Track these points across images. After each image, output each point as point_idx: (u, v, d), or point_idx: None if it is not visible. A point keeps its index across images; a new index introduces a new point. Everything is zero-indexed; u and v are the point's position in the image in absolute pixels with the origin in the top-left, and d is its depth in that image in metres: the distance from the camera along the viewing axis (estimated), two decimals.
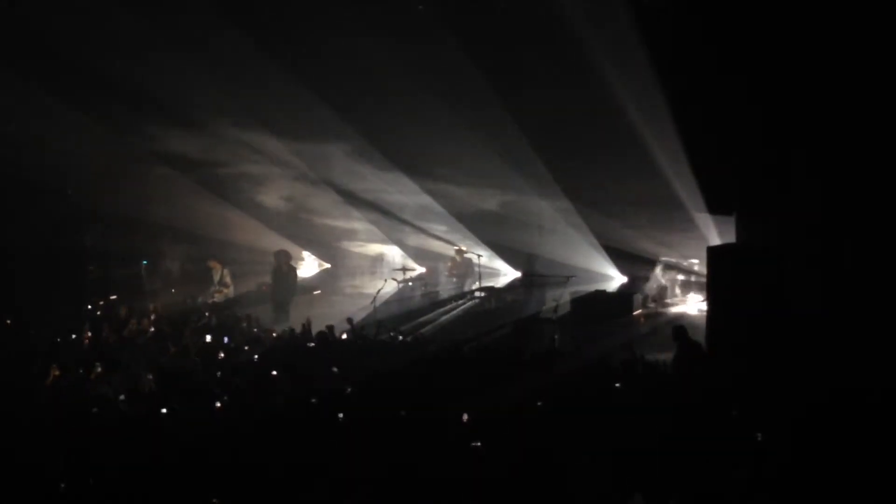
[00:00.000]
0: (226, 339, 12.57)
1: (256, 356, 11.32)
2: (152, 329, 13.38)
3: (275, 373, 9.95)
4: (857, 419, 6.93)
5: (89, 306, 16.26)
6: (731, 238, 11.55)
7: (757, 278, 9.86)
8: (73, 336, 12.54)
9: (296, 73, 11.36)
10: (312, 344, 12.01)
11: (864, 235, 8.90)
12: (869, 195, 8.84)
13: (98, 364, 10.25)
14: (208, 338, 12.65)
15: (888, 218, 8.71)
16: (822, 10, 8.21)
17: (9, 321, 13.57)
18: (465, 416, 7.68)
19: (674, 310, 15.76)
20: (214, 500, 6.09)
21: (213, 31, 10.76)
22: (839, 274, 9.08)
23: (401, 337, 13.32)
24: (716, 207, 11.21)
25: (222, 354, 11.41)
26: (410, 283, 18.53)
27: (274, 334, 13.48)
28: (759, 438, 6.91)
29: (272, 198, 17.76)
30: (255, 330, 14.04)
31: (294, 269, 17.83)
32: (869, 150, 8.62)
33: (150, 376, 9.91)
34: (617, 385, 8.84)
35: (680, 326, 11.08)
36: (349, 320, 13.27)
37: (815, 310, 9.20)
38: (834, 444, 6.47)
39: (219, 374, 10.09)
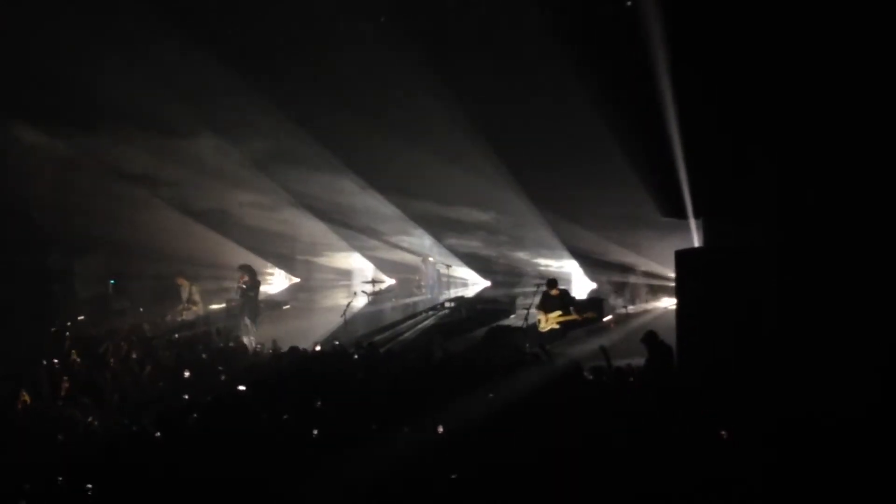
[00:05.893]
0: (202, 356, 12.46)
1: (224, 377, 11.22)
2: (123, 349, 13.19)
3: (243, 388, 9.88)
4: (826, 420, 7.01)
5: (55, 328, 16.03)
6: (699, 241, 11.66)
7: (724, 281, 9.94)
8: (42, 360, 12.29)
9: (261, 87, 11.29)
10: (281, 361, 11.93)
11: (832, 236, 8.99)
12: (837, 196, 8.94)
13: (66, 380, 10.11)
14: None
15: (856, 218, 8.82)
16: (783, 16, 8.31)
17: None
18: (441, 429, 7.67)
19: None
20: None
21: (176, 46, 10.66)
22: (807, 275, 9.17)
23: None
24: (680, 212, 11.28)
25: (187, 374, 11.28)
26: (380, 296, 18.50)
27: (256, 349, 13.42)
28: (724, 435, 6.97)
29: (240, 213, 17.61)
30: (222, 344, 13.94)
31: (258, 284, 17.68)
32: (836, 150, 8.72)
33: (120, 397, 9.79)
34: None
35: (650, 331, 11.16)
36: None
37: (784, 311, 9.30)
38: (804, 444, 6.54)
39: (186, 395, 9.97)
